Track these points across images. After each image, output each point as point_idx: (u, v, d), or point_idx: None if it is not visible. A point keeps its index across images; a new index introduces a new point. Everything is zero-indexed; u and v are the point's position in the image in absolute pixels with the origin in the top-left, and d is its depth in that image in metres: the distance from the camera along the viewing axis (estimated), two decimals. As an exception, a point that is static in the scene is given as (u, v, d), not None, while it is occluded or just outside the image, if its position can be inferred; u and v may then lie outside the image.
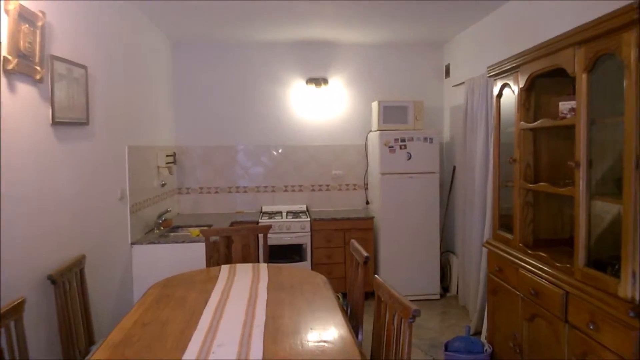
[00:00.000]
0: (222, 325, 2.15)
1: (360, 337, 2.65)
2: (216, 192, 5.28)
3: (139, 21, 4.00)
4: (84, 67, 2.77)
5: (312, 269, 4.75)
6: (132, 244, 3.69)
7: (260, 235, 3.72)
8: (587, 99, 2.08)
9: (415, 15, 4.16)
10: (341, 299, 4.14)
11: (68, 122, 2.59)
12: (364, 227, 4.81)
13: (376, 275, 2.21)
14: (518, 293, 2.70)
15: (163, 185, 4.53)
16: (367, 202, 5.33)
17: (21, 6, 2.03)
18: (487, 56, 3.99)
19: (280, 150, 5.31)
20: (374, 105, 4.95)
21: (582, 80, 2.09)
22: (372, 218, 4.85)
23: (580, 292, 2.12)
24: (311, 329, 2.10)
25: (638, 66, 1.77)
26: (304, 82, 5.23)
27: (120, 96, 3.50)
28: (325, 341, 1.98)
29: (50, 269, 2.36)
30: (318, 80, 5.18)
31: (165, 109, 4.84)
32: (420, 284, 4.83)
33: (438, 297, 4.86)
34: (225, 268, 3.13)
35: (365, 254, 2.66)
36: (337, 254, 4.80)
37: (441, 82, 5.39)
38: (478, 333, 3.85)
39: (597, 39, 1.96)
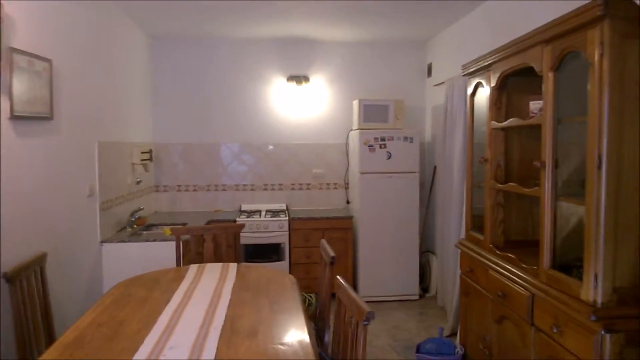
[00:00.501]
0: (179, 326, 2.09)
1: (326, 338, 2.60)
2: (194, 190, 5.21)
3: (113, 15, 3.92)
4: (48, 60, 2.69)
5: (290, 268, 4.70)
6: (102, 242, 3.61)
7: (234, 235, 3.65)
8: (553, 98, 2.04)
9: (397, 13, 4.11)
10: (314, 299, 4.09)
11: (29, 116, 2.51)
12: (343, 227, 4.77)
13: (338, 277, 2.16)
14: (488, 295, 2.66)
15: (138, 182, 4.46)
16: (348, 202, 5.28)
17: (-28, -5, 1.96)
18: (468, 55, 3.93)
19: (260, 148, 5.25)
20: (355, 103, 4.91)
21: (548, 79, 2.05)
22: (351, 217, 4.80)
23: (545, 294, 2.09)
24: (269, 330, 2.05)
25: (602, 64, 1.73)
26: (284, 79, 5.17)
27: (90, 91, 3.42)
28: (282, 343, 1.93)
29: (6, 267, 2.29)
30: (299, 78, 5.12)
31: (142, 105, 4.76)
32: (400, 284, 4.80)
33: (417, 297, 4.83)
34: (193, 268, 3.07)
35: (332, 254, 2.61)
36: (316, 254, 4.74)
37: (423, 81, 5.36)
38: (455, 334, 3.81)
39: (563, 36, 1.92)
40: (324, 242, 2.89)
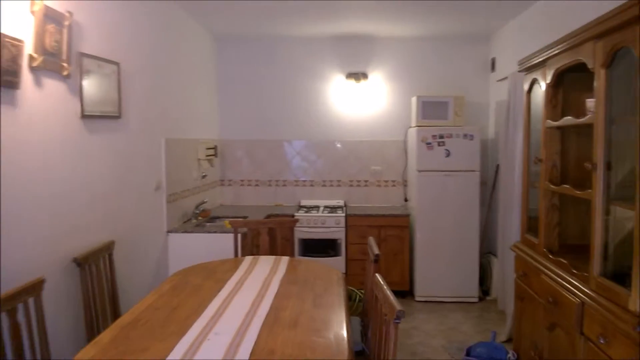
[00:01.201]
0: (226, 313, 2.22)
1: (370, 334, 2.63)
2: (256, 185, 5.40)
3: (178, 18, 4.16)
4: (116, 63, 2.93)
5: (346, 264, 4.76)
6: (168, 232, 3.87)
7: (289, 229, 3.77)
8: (605, 97, 1.93)
9: (459, 6, 4.00)
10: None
11: (98, 115, 2.76)
12: (399, 225, 4.75)
13: (377, 275, 2.18)
14: (540, 300, 2.57)
15: (204, 177, 4.71)
16: (406, 199, 5.24)
17: (47, 7, 2.19)
18: (532, 49, 3.77)
19: (319, 145, 5.35)
20: (413, 100, 4.86)
21: (600, 76, 1.95)
22: (408, 215, 4.77)
23: (594, 302, 1.99)
24: (309, 323, 2.12)
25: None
26: (343, 76, 5.22)
27: (157, 90, 3.67)
28: (319, 336, 1.99)
29: (77, 253, 2.54)
30: (358, 75, 5.15)
31: (207, 103, 5.01)
32: (458, 286, 4.70)
33: (476, 300, 4.71)
34: (248, 259, 3.21)
35: (376, 251, 2.63)
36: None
37: (486, 76, 5.18)
38: (512, 340, 3.69)
39: (614, 32, 1.82)
40: (371, 239, 2.91)
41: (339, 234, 4.76)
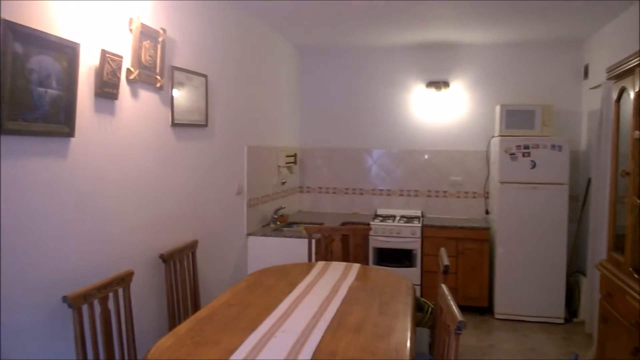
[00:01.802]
0: (294, 314, 2.31)
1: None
2: (334, 193, 5.50)
3: (263, 32, 4.38)
4: (204, 75, 3.17)
5: (421, 276, 4.70)
6: (248, 234, 4.07)
7: (363, 237, 3.81)
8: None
9: (550, 9, 3.79)
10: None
11: (187, 123, 3.00)
12: (478, 238, 4.60)
13: (443, 285, 2.16)
14: (625, 323, 2.38)
15: (283, 183, 4.89)
16: (487, 212, 5.06)
17: (143, 25, 2.45)
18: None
19: (397, 155, 5.33)
20: (497, 109, 4.69)
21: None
22: (488, 229, 4.60)
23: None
24: (372, 329, 2.14)
25: None
26: (423, 85, 5.18)
27: (241, 100, 3.89)
28: (380, 342, 2.01)
29: (163, 250, 2.77)
30: (438, 84, 5.08)
31: (289, 112, 5.21)
32: (542, 306, 4.44)
33: (562, 321, 4.41)
34: (320, 264, 3.30)
35: (445, 262, 2.60)
36: (449, 264, 4.64)
37: (578, 84, 4.87)
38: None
39: None
40: (442, 250, 2.88)
41: (414, 244, 4.71)
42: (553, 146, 4.36)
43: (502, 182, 4.48)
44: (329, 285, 2.80)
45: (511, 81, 5.01)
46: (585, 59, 4.79)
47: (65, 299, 1.92)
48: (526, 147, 4.40)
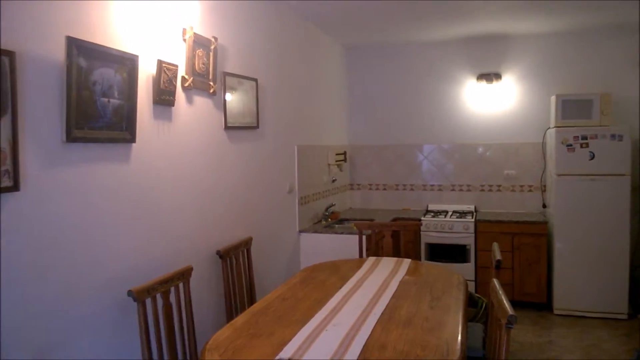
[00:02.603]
0: (345, 308, 2.36)
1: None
2: (384, 189, 5.51)
3: (311, 33, 4.46)
4: (254, 79, 3.28)
5: (475, 271, 4.63)
6: (300, 231, 4.17)
7: (414, 232, 3.81)
8: None
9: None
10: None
11: (239, 126, 3.12)
12: (535, 232, 4.47)
13: (494, 280, 2.15)
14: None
15: (334, 181, 4.96)
16: (544, 206, 4.90)
17: (196, 34, 2.58)
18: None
19: (448, 149, 5.27)
20: (552, 99, 4.54)
21: None
22: (545, 223, 4.47)
23: None
24: (423, 323, 2.17)
25: None
26: (474, 78, 5.08)
27: (290, 102, 3.99)
28: (431, 336, 2.03)
29: (219, 246, 2.91)
30: (489, 76, 4.97)
31: (338, 111, 5.27)
32: (604, 301, 4.27)
33: (625, 317, 4.22)
34: (370, 260, 3.34)
35: (498, 257, 2.57)
36: (505, 259, 4.55)
37: (635, 70, 4.59)
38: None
39: None
40: (495, 245, 2.84)
41: (467, 239, 4.65)
42: (613, 136, 4.17)
43: (559, 175, 4.33)
44: (380, 280, 2.84)
45: (565, 71, 4.83)
46: (644, 43, 4.54)
47: (130, 292, 2.07)
48: (584, 137, 4.24)
